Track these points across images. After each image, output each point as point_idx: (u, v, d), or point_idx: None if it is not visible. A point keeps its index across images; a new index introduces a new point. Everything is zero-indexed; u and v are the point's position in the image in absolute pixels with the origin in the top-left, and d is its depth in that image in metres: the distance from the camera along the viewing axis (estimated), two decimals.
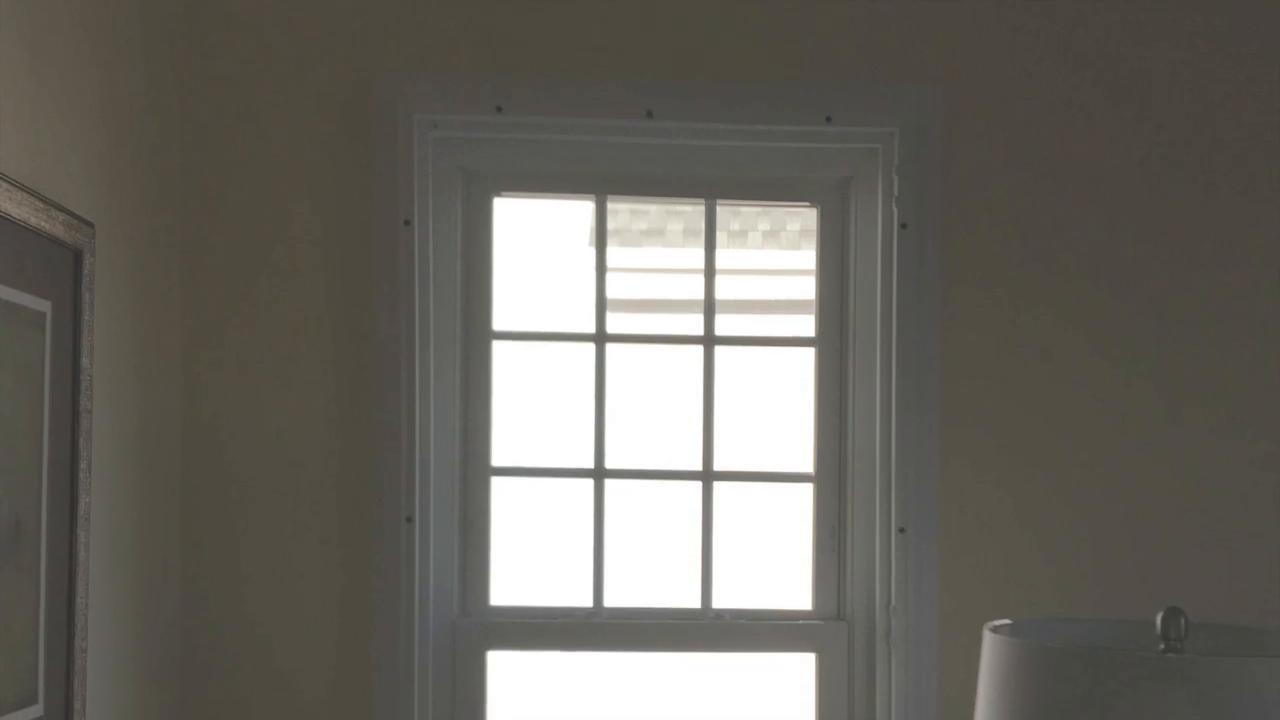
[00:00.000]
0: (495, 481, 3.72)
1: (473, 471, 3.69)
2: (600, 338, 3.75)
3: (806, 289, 3.86)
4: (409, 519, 3.49)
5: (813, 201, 3.78)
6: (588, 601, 3.70)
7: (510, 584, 3.85)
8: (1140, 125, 3.63)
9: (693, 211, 8.25)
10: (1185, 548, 3.58)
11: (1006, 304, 3.61)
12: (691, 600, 3.73)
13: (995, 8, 3.61)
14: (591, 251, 3.83)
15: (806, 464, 3.76)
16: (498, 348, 3.73)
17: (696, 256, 3.85)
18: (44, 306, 2.66)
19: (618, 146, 3.67)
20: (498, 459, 3.72)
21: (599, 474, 3.73)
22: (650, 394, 5.66)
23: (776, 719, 8.24)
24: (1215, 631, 2.91)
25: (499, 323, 3.73)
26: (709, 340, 3.76)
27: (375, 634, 3.49)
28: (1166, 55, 3.63)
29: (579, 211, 8.30)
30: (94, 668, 2.92)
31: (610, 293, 3.79)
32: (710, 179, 3.77)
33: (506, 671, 3.86)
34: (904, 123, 3.59)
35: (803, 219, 8.90)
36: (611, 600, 3.71)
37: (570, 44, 3.57)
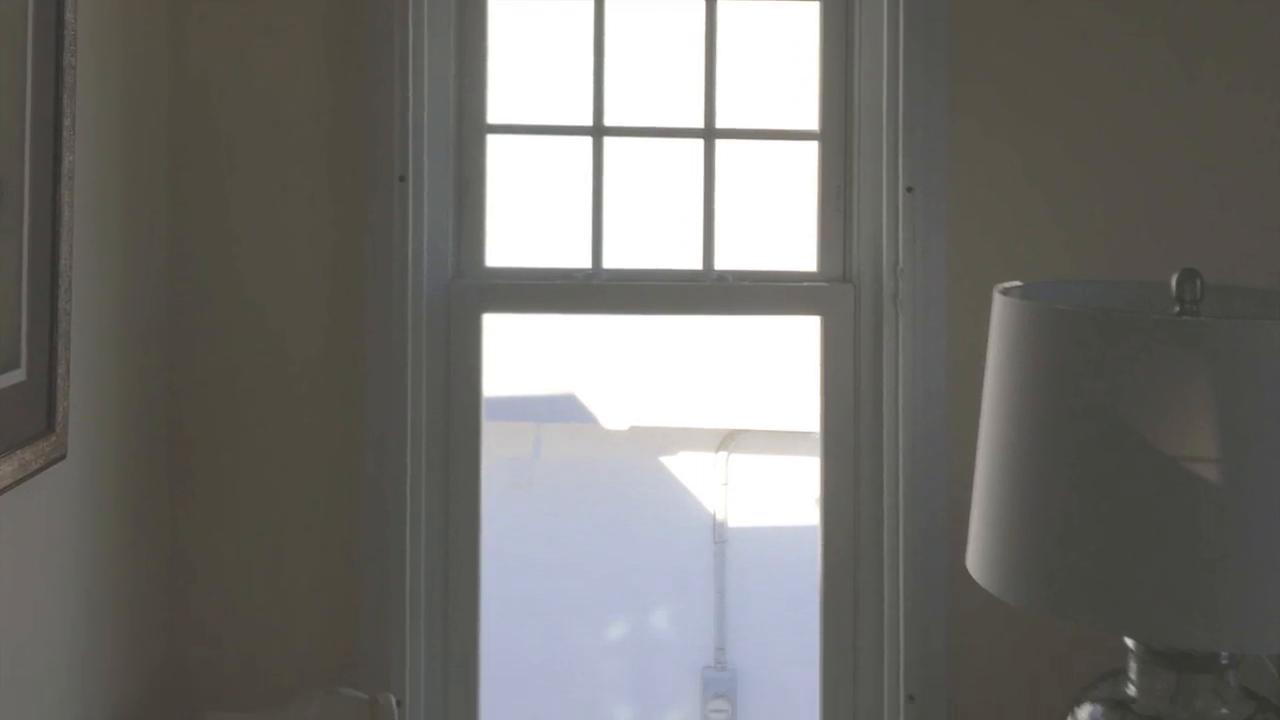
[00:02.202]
0: (491, 139, 3.62)
1: (468, 129, 3.60)
2: None
3: None
4: (402, 178, 3.41)
5: None
6: (586, 263, 3.64)
7: (507, 246, 3.79)
8: None
9: None
10: (1201, 208, 3.50)
11: None
12: (694, 263, 3.67)
13: None
14: None
15: (811, 122, 3.66)
16: None
17: None
18: None
19: None
20: (494, 116, 3.62)
21: (598, 131, 3.64)
22: (650, 53, 5.56)
23: (782, 383, 8.27)
24: (1232, 294, 2.85)
25: None
26: None
27: (368, 296, 3.43)
28: None
29: None
30: (78, 331, 2.86)
31: None
32: None
33: (502, 334, 3.81)
34: None
35: None
36: (611, 263, 3.64)
37: None
